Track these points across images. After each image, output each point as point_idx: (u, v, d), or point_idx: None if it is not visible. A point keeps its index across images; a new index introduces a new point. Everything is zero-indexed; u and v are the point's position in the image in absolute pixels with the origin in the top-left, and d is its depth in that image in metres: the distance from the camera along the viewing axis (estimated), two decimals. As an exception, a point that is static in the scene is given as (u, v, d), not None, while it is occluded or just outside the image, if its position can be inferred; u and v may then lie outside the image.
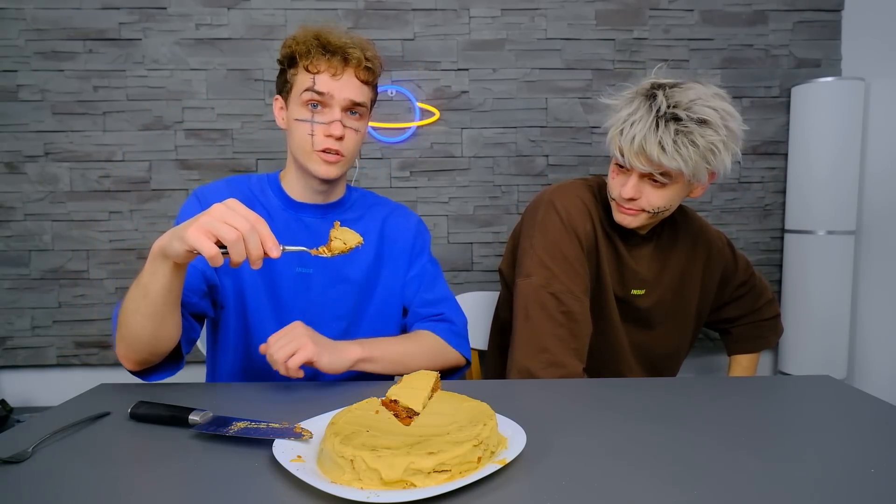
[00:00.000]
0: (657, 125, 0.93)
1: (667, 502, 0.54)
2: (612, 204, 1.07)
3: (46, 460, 0.64)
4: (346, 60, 0.95)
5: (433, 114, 1.92)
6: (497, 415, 0.68)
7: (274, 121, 1.33)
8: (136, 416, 0.76)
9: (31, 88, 1.85)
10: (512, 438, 0.65)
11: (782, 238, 1.98)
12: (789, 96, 1.93)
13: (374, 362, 0.92)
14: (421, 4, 1.89)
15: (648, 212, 1.03)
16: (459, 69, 1.92)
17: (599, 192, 1.15)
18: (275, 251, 0.71)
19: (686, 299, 1.19)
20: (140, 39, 1.86)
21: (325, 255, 0.82)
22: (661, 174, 0.97)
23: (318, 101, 0.95)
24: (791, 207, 1.92)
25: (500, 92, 1.93)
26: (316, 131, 0.96)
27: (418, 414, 0.68)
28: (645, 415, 0.78)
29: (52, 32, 1.84)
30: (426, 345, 1.01)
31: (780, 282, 1.98)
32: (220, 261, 0.68)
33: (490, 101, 1.93)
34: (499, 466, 0.58)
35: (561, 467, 0.61)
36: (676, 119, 0.93)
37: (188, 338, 0.93)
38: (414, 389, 0.72)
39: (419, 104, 1.91)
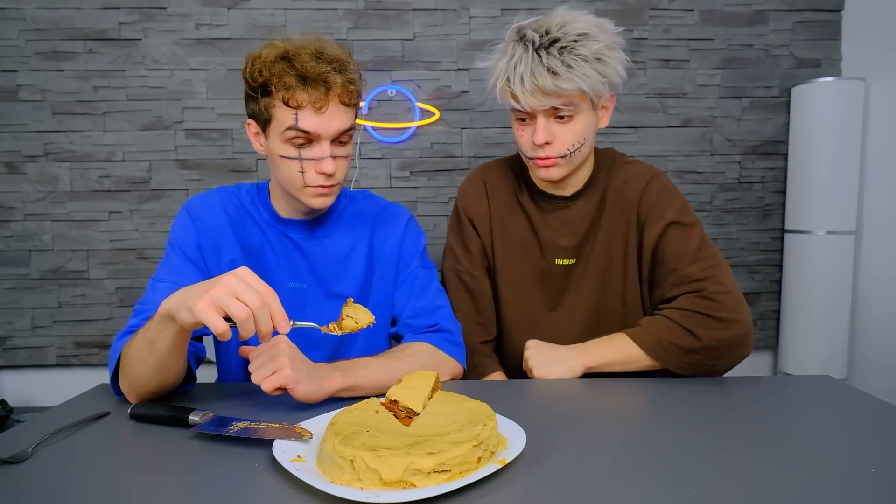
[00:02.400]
0: (539, 56, 0.92)
1: (666, 502, 0.54)
2: (530, 164, 1.04)
3: (46, 460, 0.64)
4: (327, 89, 0.86)
5: (433, 114, 1.92)
6: (497, 415, 0.68)
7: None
8: (136, 416, 0.76)
9: (31, 88, 1.85)
10: (512, 438, 0.65)
11: (782, 238, 1.98)
12: (789, 96, 1.93)
13: (357, 390, 0.84)
14: (421, 4, 1.89)
15: (563, 156, 0.98)
16: (459, 69, 1.92)
17: (522, 164, 1.12)
18: (284, 327, 0.69)
19: (615, 258, 1.06)
20: (140, 39, 1.86)
21: (335, 333, 0.80)
22: (564, 105, 0.94)
23: (305, 140, 0.89)
24: (791, 207, 1.92)
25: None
26: (306, 168, 0.90)
27: (418, 414, 0.68)
28: (644, 415, 0.78)
29: (52, 32, 1.84)
30: (419, 361, 0.94)
31: (780, 282, 1.99)
32: (229, 336, 0.66)
33: (490, 101, 1.93)
34: (499, 466, 0.58)
35: (561, 467, 0.61)
36: (554, 42, 0.92)
37: (196, 357, 0.92)
38: (414, 389, 0.72)
39: (419, 104, 1.91)
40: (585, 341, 1.01)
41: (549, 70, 0.91)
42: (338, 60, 0.88)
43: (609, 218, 1.06)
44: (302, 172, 0.90)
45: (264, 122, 0.91)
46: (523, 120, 1.00)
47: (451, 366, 0.99)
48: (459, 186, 1.16)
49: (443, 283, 1.13)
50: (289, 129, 0.87)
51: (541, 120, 0.97)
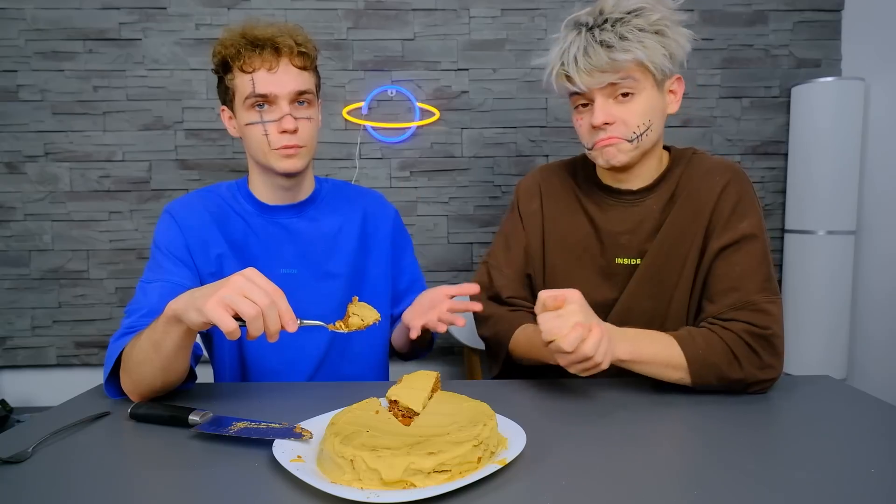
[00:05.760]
0: (593, 35, 0.88)
1: (666, 502, 0.54)
2: (593, 154, 0.97)
3: (46, 460, 0.64)
4: (277, 51, 0.94)
5: (433, 114, 1.92)
6: (497, 415, 0.68)
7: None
8: (136, 416, 0.76)
9: (31, 88, 1.85)
10: (512, 438, 0.65)
11: (782, 238, 1.98)
12: (789, 96, 1.93)
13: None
14: (421, 4, 1.89)
15: (629, 140, 0.92)
16: (459, 69, 1.92)
17: (583, 163, 1.08)
18: (292, 326, 0.70)
19: (674, 257, 0.98)
20: (140, 39, 1.86)
21: (342, 331, 0.81)
22: (623, 79, 0.89)
23: (263, 102, 0.94)
24: (791, 207, 1.92)
25: (500, 92, 1.93)
26: (269, 130, 0.95)
27: (418, 414, 0.68)
28: (644, 414, 0.78)
29: (52, 32, 1.84)
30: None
31: (780, 282, 1.98)
32: (238, 335, 0.67)
33: (490, 101, 1.93)
34: (499, 466, 0.58)
35: (561, 467, 0.61)
36: (608, 21, 0.89)
37: (194, 355, 0.93)
38: (414, 390, 0.72)
39: (419, 104, 1.91)
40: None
41: (602, 44, 0.87)
42: (289, 30, 0.97)
43: (677, 213, 0.97)
44: (266, 135, 0.96)
45: (231, 100, 0.98)
46: (585, 105, 0.95)
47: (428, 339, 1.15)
48: (518, 183, 1.14)
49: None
50: (248, 95, 0.94)
51: (599, 100, 0.91)
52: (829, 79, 1.81)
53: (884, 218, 1.82)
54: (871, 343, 1.86)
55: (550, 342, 0.75)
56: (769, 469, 0.60)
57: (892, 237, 1.79)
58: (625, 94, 0.90)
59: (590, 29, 0.89)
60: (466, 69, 1.92)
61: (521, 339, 0.97)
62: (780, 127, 1.96)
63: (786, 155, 1.97)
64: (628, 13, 0.88)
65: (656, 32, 0.88)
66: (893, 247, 1.78)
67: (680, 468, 0.61)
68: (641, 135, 0.92)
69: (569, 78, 0.91)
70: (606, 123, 0.92)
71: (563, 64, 0.91)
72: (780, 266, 2.00)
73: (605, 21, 0.88)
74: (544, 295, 0.79)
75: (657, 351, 0.84)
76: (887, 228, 1.80)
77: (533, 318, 0.96)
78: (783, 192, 1.98)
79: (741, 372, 0.84)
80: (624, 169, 0.98)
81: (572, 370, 0.78)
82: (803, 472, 0.60)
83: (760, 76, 1.95)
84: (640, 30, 0.87)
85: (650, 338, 0.86)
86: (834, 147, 1.80)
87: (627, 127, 0.92)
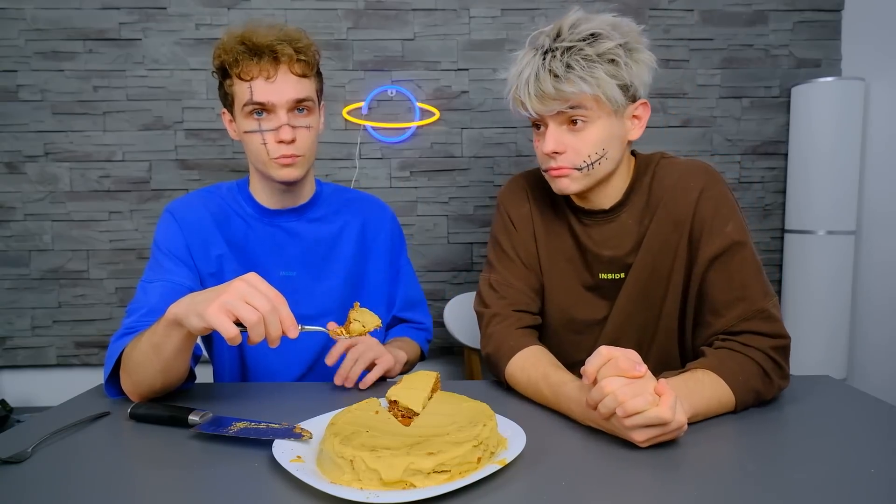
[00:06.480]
0: (545, 61, 0.86)
1: (666, 502, 0.54)
2: (547, 178, 0.95)
3: (46, 460, 0.64)
4: (276, 59, 0.92)
5: (433, 114, 1.92)
6: (497, 415, 0.68)
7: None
8: (135, 416, 0.76)
9: (31, 88, 1.85)
10: (512, 439, 0.65)
11: (782, 238, 1.98)
12: (789, 96, 1.93)
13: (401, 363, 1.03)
14: (421, 4, 1.89)
15: (579, 168, 0.90)
16: (459, 69, 1.92)
17: None
18: (293, 331, 0.70)
19: (660, 269, 0.96)
20: (140, 39, 1.85)
21: (343, 337, 0.81)
22: (573, 108, 0.86)
23: (261, 110, 0.93)
24: (791, 207, 1.92)
25: (500, 92, 1.91)
26: (267, 139, 0.94)
27: (418, 414, 0.68)
28: (645, 415, 0.78)
29: (52, 32, 1.84)
30: (414, 351, 1.15)
31: (780, 282, 1.98)
32: (239, 340, 0.67)
33: (490, 101, 1.93)
34: (498, 467, 0.58)
35: (561, 467, 0.61)
36: (562, 44, 0.86)
37: (194, 356, 0.93)
38: (413, 390, 0.73)
39: (419, 104, 1.91)
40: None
41: (550, 73, 0.84)
42: (289, 36, 0.94)
43: (657, 225, 0.94)
44: (264, 144, 0.94)
45: (230, 104, 0.97)
46: (538, 128, 0.93)
47: (418, 356, 1.19)
48: (498, 193, 1.09)
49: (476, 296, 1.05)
50: (246, 103, 0.93)
51: (551, 127, 0.89)
52: (829, 79, 1.81)
53: (884, 218, 1.82)
54: (871, 343, 1.86)
55: (631, 414, 0.64)
56: (769, 469, 0.60)
57: (892, 237, 1.79)
58: (577, 122, 0.88)
59: (544, 53, 0.87)
60: (466, 69, 1.92)
61: (536, 381, 0.85)
62: (780, 127, 1.96)
63: (786, 155, 1.97)
64: (582, 40, 0.85)
65: (610, 61, 0.85)
66: (893, 247, 1.78)
67: (679, 467, 0.61)
68: (593, 163, 0.90)
69: (522, 102, 0.89)
70: (556, 153, 0.89)
71: (517, 87, 0.89)
72: (780, 266, 1.99)
73: (558, 48, 0.85)
74: (619, 358, 0.68)
75: (710, 395, 0.77)
76: (887, 229, 1.80)
77: (535, 336, 0.96)
78: (783, 192, 1.98)
79: (773, 388, 0.82)
80: (581, 194, 0.96)
81: (646, 443, 0.66)
82: (803, 473, 0.60)
83: (760, 76, 1.95)
84: (590, 60, 0.84)
85: (700, 387, 0.77)
86: (834, 147, 1.80)
87: (579, 155, 0.89)
